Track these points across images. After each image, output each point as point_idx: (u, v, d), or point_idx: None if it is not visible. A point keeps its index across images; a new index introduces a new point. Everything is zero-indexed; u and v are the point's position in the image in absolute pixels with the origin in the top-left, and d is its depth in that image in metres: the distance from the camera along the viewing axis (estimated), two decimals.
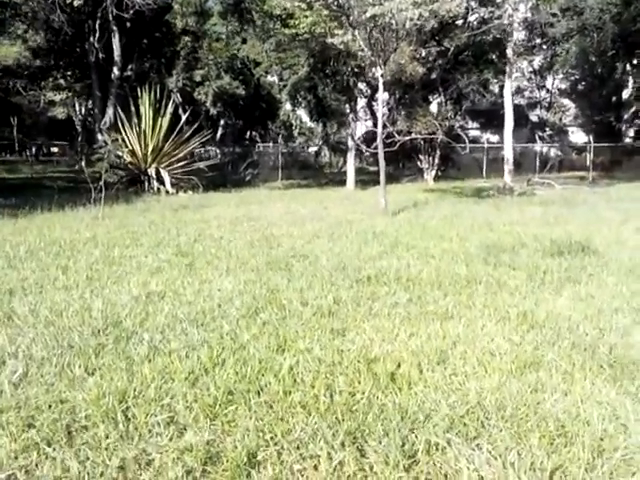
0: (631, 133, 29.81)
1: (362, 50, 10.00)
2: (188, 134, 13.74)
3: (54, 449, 1.75)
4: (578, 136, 33.36)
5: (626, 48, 19.75)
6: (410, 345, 3.02)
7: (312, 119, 30.21)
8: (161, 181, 12.57)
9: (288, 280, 4.45)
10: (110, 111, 15.73)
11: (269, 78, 28.46)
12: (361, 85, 19.72)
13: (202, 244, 6.10)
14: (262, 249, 5.92)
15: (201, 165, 13.52)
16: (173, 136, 13.44)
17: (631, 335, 3.26)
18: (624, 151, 22.11)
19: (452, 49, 18.65)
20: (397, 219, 8.82)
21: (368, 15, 8.27)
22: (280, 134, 38.15)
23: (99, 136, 14.97)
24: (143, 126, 12.82)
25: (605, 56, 19.07)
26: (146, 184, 12.71)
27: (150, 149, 12.84)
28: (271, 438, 1.89)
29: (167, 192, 12.35)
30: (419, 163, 19.39)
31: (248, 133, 35.16)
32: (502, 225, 8.00)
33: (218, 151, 26.47)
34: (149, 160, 12.89)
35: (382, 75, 9.74)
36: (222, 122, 30.19)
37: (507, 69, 13.31)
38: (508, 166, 13.35)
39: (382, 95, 10.04)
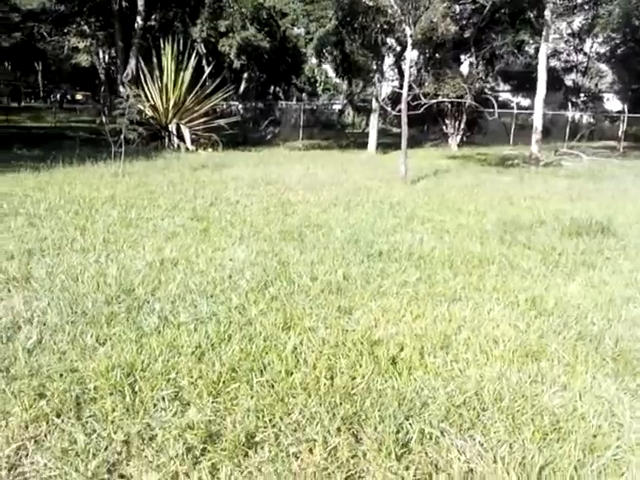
0: None
1: (391, 7, 9.56)
2: (211, 89, 13.53)
3: (63, 420, 1.86)
4: (613, 103, 31.82)
5: None
6: (415, 328, 3.05)
7: (337, 75, 29.38)
8: (181, 137, 12.52)
9: (300, 252, 4.48)
10: (132, 62, 15.53)
11: (295, 31, 27.55)
12: (390, 41, 18.98)
13: (218, 208, 6.14)
14: (277, 216, 5.94)
15: (222, 122, 13.36)
16: (195, 90, 13.25)
17: (639, 327, 3.22)
18: None
19: (488, 6, 17.69)
20: (416, 188, 8.70)
21: None
22: (304, 91, 37.30)
23: (121, 89, 14.86)
24: (165, 80, 12.66)
25: None
26: (166, 140, 12.69)
27: (172, 104, 12.73)
28: (270, 419, 1.96)
29: (187, 149, 12.33)
30: (444, 127, 18.87)
31: (272, 88, 34.47)
32: (523, 199, 7.83)
33: (240, 107, 26.09)
34: (170, 115, 12.80)
35: (411, 35, 9.34)
36: (245, 76, 29.60)
37: (544, 31, 12.58)
38: (536, 135, 12.89)
39: (410, 56, 9.66)
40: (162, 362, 2.27)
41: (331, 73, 31.76)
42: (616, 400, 2.39)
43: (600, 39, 23.59)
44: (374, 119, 15.95)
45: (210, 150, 12.85)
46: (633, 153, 18.00)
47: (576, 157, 14.98)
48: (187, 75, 12.96)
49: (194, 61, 13.62)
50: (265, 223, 5.55)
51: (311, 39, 21.04)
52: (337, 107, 31.55)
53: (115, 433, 1.80)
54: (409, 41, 9.19)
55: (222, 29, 23.13)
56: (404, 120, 9.59)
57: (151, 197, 6.57)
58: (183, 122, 12.64)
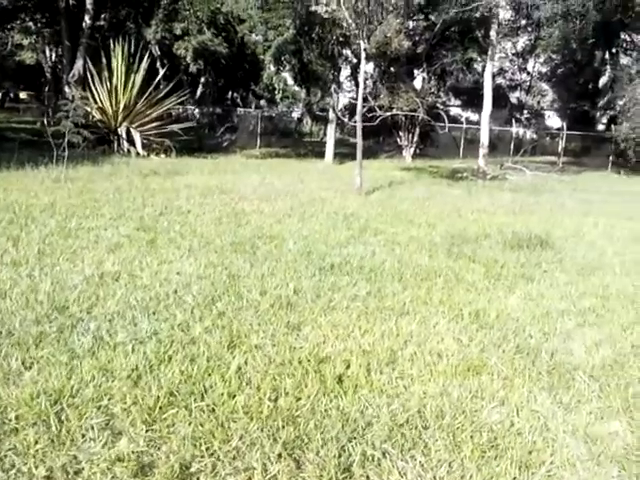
0: (604, 120, 30.29)
1: (346, 21, 9.70)
2: (164, 92, 13.16)
3: None
4: (554, 120, 33.66)
5: (606, 37, 19.77)
6: (363, 343, 3.06)
7: (296, 83, 29.38)
8: (132, 142, 12.09)
9: (251, 265, 4.42)
10: (79, 63, 14.92)
11: (254, 37, 27.40)
12: (347, 52, 19.24)
13: (167, 218, 5.96)
14: (230, 226, 5.84)
15: (176, 127, 12.99)
16: (148, 93, 12.84)
17: (572, 340, 3.38)
18: (595, 139, 22.53)
19: (439, 24, 18.30)
20: (370, 199, 8.82)
21: None
22: (263, 97, 37.08)
23: (66, 89, 14.23)
24: (115, 81, 12.21)
25: (585, 43, 19.07)
26: (115, 144, 12.21)
27: (121, 107, 12.27)
28: (207, 448, 1.89)
29: (138, 154, 11.91)
30: (399, 140, 19.29)
31: (230, 94, 34.05)
32: (470, 212, 8.09)
33: (197, 111, 25.59)
34: (120, 119, 12.33)
35: (365, 49, 9.50)
36: (202, 80, 29.09)
37: (490, 50, 13.16)
38: (483, 150, 13.42)
39: (364, 69, 9.82)
40: (94, 387, 2.15)
41: (290, 81, 31.84)
42: (550, 414, 2.48)
43: (542, 59, 24.95)
44: (331, 129, 16.09)
45: (163, 156, 12.49)
46: (571, 168, 19.09)
47: (520, 171, 15.71)
48: (139, 77, 12.56)
49: (147, 63, 13.23)
50: (217, 234, 5.44)
51: (269, 47, 20.98)
52: (296, 115, 31.61)
53: (36, 468, 1.67)
54: (363, 54, 9.34)
55: (177, 32, 22.67)
56: (359, 132, 9.72)
57: (95, 205, 6.30)
58: (134, 126, 12.22)
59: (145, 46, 16.70)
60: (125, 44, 12.60)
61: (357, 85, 21.52)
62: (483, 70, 26.78)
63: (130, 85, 12.38)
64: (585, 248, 6.06)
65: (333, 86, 16.19)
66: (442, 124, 16.57)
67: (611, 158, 18.35)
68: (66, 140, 8.27)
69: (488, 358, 2.99)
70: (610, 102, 25.83)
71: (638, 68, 15.59)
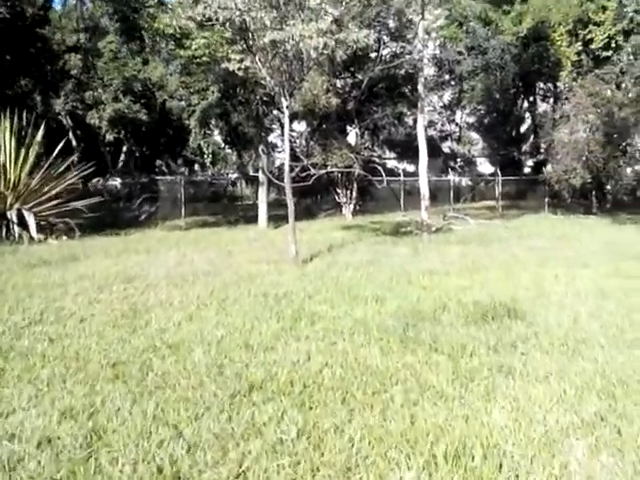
0: (530, 163, 31.84)
1: (267, 80, 9.00)
2: (64, 166, 11.66)
3: None
4: (485, 167, 35.03)
5: (525, 86, 20.79)
6: None
7: (226, 145, 28.73)
8: (25, 225, 10.40)
9: (132, 402, 3.11)
10: None
11: (180, 103, 26.80)
12: (276, 112, 18.87)
13: (36, 330, 4.55)
14: (120, 334, 4.51)
15: (79, 204, 11.42)
16: (45, 168, 11.21)
17: None
18: (528, 182, 23.23)
19: (366, 81, 18.43)
20: (307, 270, 7.73)
21: (267, 40, 7.27)
22: (195, 163, 36.16)
23: None
24: (3, 159, 10.66)
25: (507, 93, 19.89)
26: (4, 230, 10.42)
27: (11, 186, 10.66)
28: None
29: (32, 239, 10.18)
30: (337, 197, 18.74)
31: (158, 162, 32.85)
32: (421, 276, 7.18)
33: (118, 182, 24.07)
34: (10, 200, 10.61)
35: (287, 107, 8.77)
36: (124, 149, 27.80)
37: (419, 104, 13.00)
38: (424, 201, 12.92)
39: (288, 127, 9.06)
40: None
41: (222, 144, 31.23)
42: None
43: (468, 110, 25.96)
44: (262, 192, 15.18)
45: (64, 238, 10.82)
46: (510, 212, 19.19)
47: (463, 220, 15.40)
48: (32, 152, 11.03)
49: (41, 134, 11.59)
50: (98, 350, 4.10)
51: (194, 111, 20.28)
52: (230, 178, 30.76)
53: None
54: (286, 112, 8.59)
55: (89, 101, 21.52)
56: (289, 194, 8.78)
57: None
58: (27, 207, 10.52)
59: (44, 116, 15.34)
60: (14, 116, 11.07)
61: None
62: (414, 123, 27.51)
63: (21, 161, 10.80)
64: (556, 312, 5.23)
65: (261, 147, 15.47)
66: (380, 178, 16.19)
67: (546, 200, 18.63)
68: None
69: None
70: (534, 147, 27.14)
71: (560, 114, 16.14)
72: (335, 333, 4.59)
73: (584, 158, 14.59)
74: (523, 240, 11.15)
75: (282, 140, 24.43)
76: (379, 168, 16.19)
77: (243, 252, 9.62)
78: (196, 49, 9.71)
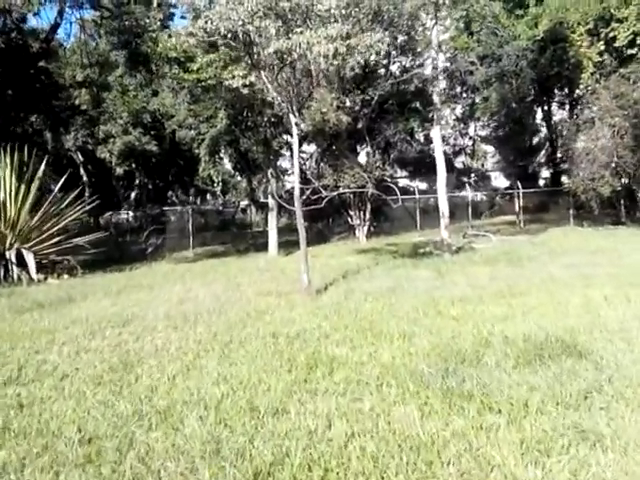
0: (545, 175, 30.83)
1: (272, 95, 8.41)
2: (67, 202, 11.12)
3: None
4: (500, 181, 34.11)
5: (542, 92, 20.01)
6: None
7: (236, 172, 28.33)
8: (24, 265, 9.81)
9: None
10: None
11: (189, 132, 26.67)
12: (286, 137, 18.40)
13: (7, 393, 3.84)
14: (104, 394, 3.77)
15: (81, 241, 10.82)
16: (46, 205, 10.68)
17: None
18: (546, 194, 22.27)
19: (376, 98, 17.90)
20: (322, 302, 6.93)
21: (271, 50, 6.67)
22: (206, 192, 35.88)
23: None
24: (2, 196, 10.16)
25: (524, 101, 19.14)
26: (2, 271, 9.84)
27: (10, 225, 10.13)
28: None
29: (31, 280, 9.58)
30: (350, 219, 17.99)
31: (170, 193, 32.66)
32: (451, 304, 6.33)
33: (131, 215, 23.75)
34: (9, 240, 10.06)
35: (297, 124, 8.13)
36: (137, 182, 27.64)
37: (435, 115, 12.29)
38: (444, 220, 12.07)
39: (297, 148, 8.40)
40: None
41: (232, 171, 30.94)
42: None
43: (482, 122, 25.24)
44: (272, 218, 14.49)
45: (66, 277, 10.23)
46: (532, 227, 18.22)
47: (484, 237, 14.50)
48: (33, 188, 10.53)
49: (41, 171, 11.04)
50: (72, 419, 3.35)
51: (203, 139, 19.96)
52: (241, 205, 30.33)
53: None
54: (295, 130, 7.94)
55: (100, 135, 21.40)
56: (300, 220, 8.06)
57: None
58: (27, 246, 9.92)
59: (55, 154, 15.01)
60: (15, 153, 10.60)
61: (300, 168, 20.57)
62: (426, 139, 26.90)
63: (21, 199, 10.28)
64: (622, 346, 4.35)
65: (270, 171, 14.87)
66: (394, 197, 15.42)
67: (571, 211, 17.62)
68: None
69: None
70: (549, 157, 26.20)
71: (583, 119, 15.30)
72: (359, 384, 3.78)
73: (613, 165, 13.68)
74: (555, 257, 10.21)
75: (292, 163, 23.98)
76: (393, 187, 15.42)
77: (252, 284, 8.87)
78: (199, 69, 9.25)
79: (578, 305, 5.84)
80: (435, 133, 12.24)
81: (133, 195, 25.66)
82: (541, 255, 10.58)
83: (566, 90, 19.78)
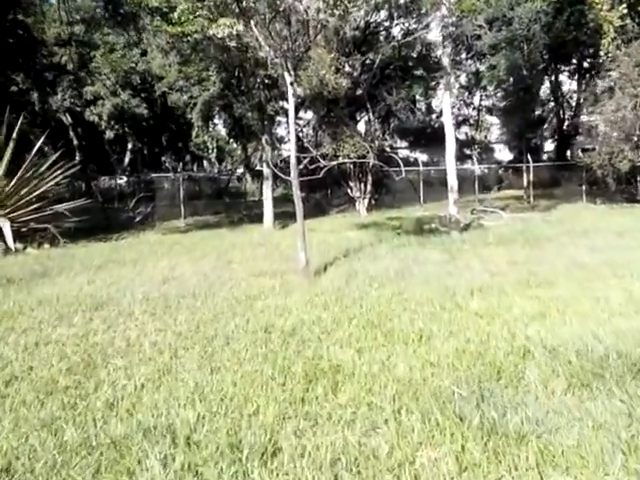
0: (548, 148, 29.72)
1: (263, 49, 7.32)
2: (46, 165, 10.15)
3: None
4: (504, 154, 32.99)
5: (554, 60, 18.77)
6: None
7: (230, 140, 27.08)
8: (1, 234, 8.96)
9: None
10: None
11: (181, 96, 25.28)
12: (281, 103, 17.21)
13: None
14: (52, 408, 2.97)
15: (61, 208, 9.93)
16: (23, 169, 9.73)
17: None
18: (556, 168, 21.26)
19: (377, 62, 16.65)
20: (322, 287, 6.10)
21: None
22: (202, 158, 34.56)
23: None
24: None
25: (535, 69, 17.91)
26: None
27: None
28: None
29: (8, 249, 8.75)
30: (350, 191, 17.02)
31: (164, 159, 31.43)
32: (469, 294, 5.52)
33: (124, 181, 22.69)
34: None
35: (292, 84, 7.09)
36: (130, 146, 26.39)
37: (445, 81, 11.20)
38: (453, 194, 11.17)
39: (293, 111, 7.40)
40: None
41: (227, 137, 29.61)
42: None
43: (486, 92, 23.99)
44: (267, 188, 13.50)
45: (47, 246, 9.39)
46: (542, 203, 17.34)
47: (494, 214, 13.64)
48: (7, 151, 9.53)
49: (17, 134, 10.06)
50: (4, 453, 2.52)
51: (195, 104, 18.70)
52: (237, 173, 29.18)
53: None
54: (290, 91, 6.91)
55: (88, 96, 20.08)
56: (296, 191, 7.12)
57: None
58: (2, 213, 9.08)
59: (42, 115, 13.89)
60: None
61: (296, 135, 19.45)
62: (427, 109, 25.61)
63: None
64: None
65: (265, 137, 13.78)
66: (397, 169, 14.43)
67: (584, 187, 16.71)
68: None
69: None
70: (558, 129, 25.09)
71: (601, 89, 14.22)
72: (371, 409, 2.98)
73: (635, 138, 12.71)
74: (576, 238, 9.37)
75: (288, 131, 22.75)
76: (396, 158, 14.42)
77: (244, 261, 8.02)
78: (182, 20, 8.16)
79: (620, 300, 5.03)
80: (445, 100, 11.19)
81: (127, 160, 24.48)
82: (559, 235, 9.74)
83: (579, 58, 18.52)
